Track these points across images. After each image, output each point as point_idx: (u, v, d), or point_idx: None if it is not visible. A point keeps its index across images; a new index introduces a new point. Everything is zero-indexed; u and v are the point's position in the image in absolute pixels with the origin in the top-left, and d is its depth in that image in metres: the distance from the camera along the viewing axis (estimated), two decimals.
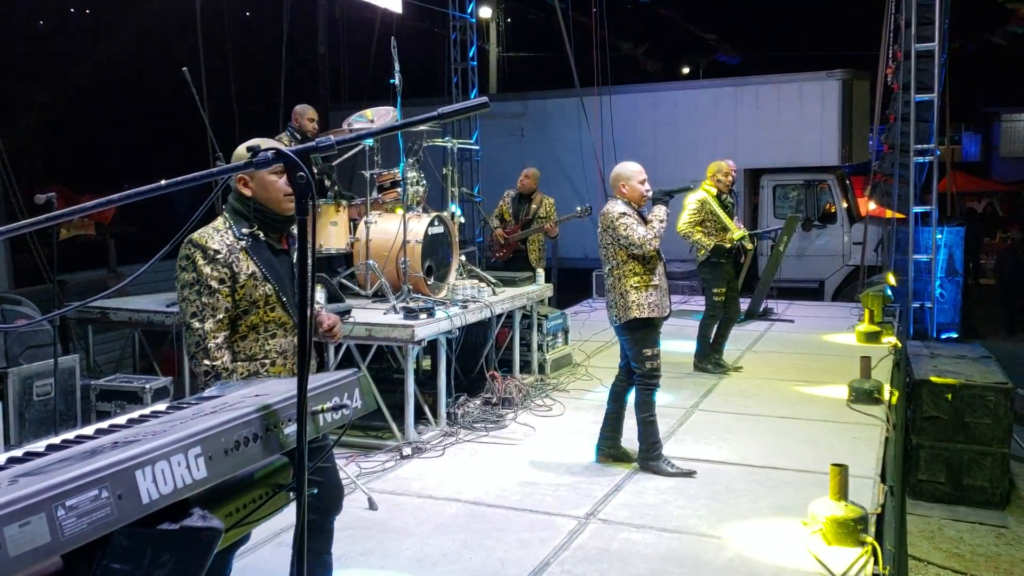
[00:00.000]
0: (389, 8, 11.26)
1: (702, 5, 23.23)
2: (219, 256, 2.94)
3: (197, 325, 2.94)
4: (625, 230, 5.29)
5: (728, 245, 7.99)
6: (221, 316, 2.96)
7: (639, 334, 5.41)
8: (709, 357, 8.22)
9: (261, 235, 3.04)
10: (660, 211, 5.46)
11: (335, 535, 3.36)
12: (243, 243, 2.99)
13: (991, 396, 7.82)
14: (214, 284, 2.93)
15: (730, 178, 8.18)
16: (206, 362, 2.95)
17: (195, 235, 2.96)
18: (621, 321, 5.42)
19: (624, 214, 5.33)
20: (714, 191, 8.03)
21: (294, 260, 3.10)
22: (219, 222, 3.03)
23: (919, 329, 11.57)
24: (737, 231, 7.98)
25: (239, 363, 3.03)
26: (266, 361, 3.06)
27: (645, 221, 5.42)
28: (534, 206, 8.93)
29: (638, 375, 5.45)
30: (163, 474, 1.37)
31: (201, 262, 2.94)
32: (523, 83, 19.40)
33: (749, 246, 8.30)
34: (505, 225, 9.06)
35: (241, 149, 2.99)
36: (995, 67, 23.50)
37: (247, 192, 3.02)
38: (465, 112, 1.92)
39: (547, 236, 9.00)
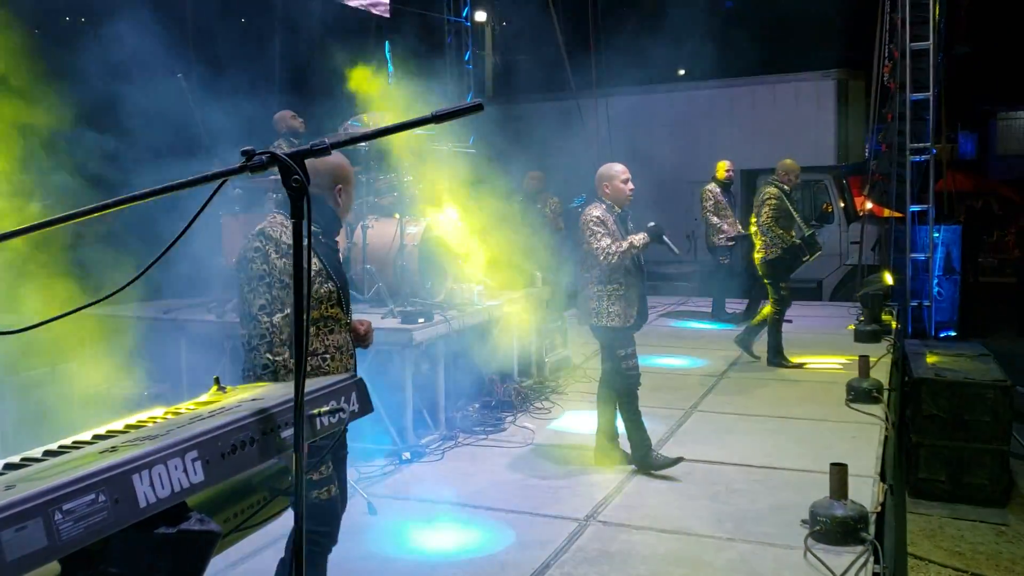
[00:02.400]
0: (377, 12, 11.31)
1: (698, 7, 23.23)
2: (291, 251, 2.96)
3: (265, 319, 2.94)
4: (590, 236, 5.31)
5: (798, 243, 8.24)
6: (288, 311, 2.94)
7: (609, 336, 5.44)
8: (781, 351, 8.37)
9: (321, 236, 3.12)
10: (640, 238, 5.34)
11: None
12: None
13: (990, 394, 7.81)
14: (287, 279, 2.93)
15: (798, 178, 8.42)
16: (268, 355, 2.94)
17: (267, 229, 2.98)
18: (586, 323, 5.49)
19: (598, 220, 5.32)
20: (787, 188, 8.22)
21: (342, 259, 3.25)
22: (283, 219, 3.05)
23: (917, 328, 11.58)
24: (808, 228, 8.34)
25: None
26: (327, 356, 3.10)
27: (625, 224, 5.43)
28: (539, 205, 9.20)
29: (617, 375, 5.47)
30: (160, 478, 1.37)
31: (274, 255, 2.96)
32: (519, 86, 19.38)
33: (818, 248, 8.56)
34: None
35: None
36: (991, 65, 23.52)
37: (341, 200, 3.15)
38: (459, 114, 1.91)
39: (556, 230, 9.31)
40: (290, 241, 2.88)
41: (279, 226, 3.02)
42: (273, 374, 2.95)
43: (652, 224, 5.38)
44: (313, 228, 2.96)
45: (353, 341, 3.31)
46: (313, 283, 3.02)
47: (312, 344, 3.07)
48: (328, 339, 3.12)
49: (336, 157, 3.10)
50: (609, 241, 5.27)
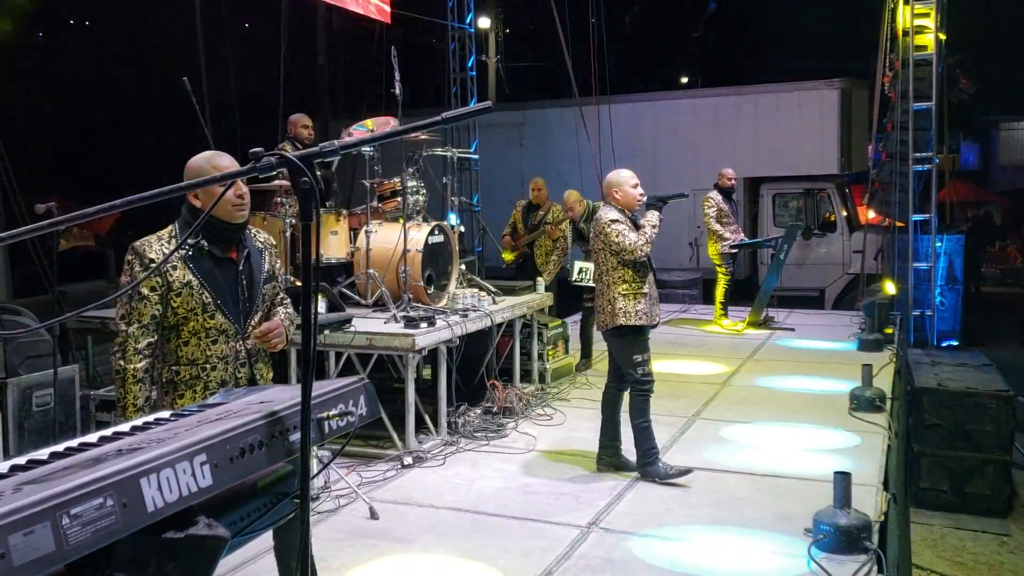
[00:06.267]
0: (379, 19, 11.33)
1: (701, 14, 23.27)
2: (153, 265, 3.04)
3: (124, 327, 3.07)
4: (616, 236, 5.31)
5: None
6: (146, 322, 3.07)
7: (627, 340, 5.42)
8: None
9: (206, 245, 3.13)
10: (653, 216, 5.47)
11: (337, 544, 3.35)
12: (183, 252, 3.09)
13: (992, 404, 7.79)
14: (144, 291, 3.05)
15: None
16: (120, 363, 3.07)
17: (137, 242, 3.09)
18: (608, 327, 5.44)
19: (615, 220, 5.35)
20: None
21: (240, 268, 3.19)
22: (166, 231, 3.16)
23: (920, 337, 11.55)
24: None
25: (182, 367, 3.14)
26: (207, 366, 3.16)
27: (638, 227, 5.44)
28: (542, 212, 9.12)
29: (630, 381, 5.45)
30: (168, 482, 1.35)
31: (137, 269, 3.07)
32: (522, 93, 19.43)
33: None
34: (516, 233, 9.29)
35: (197, 161, 3.11)
36: (994, 76, 23.51)
37: (197, 204, 3.13)
38: (469, 116, 1.91)
39: (549, 237, 9.10)
40: (153, 256, 3.05)
41: (153, 239, 3.11)
42: (122, 380, 3.06)
43: (647, 198, 5.47)
44: (191, 239, 3.06)
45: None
46: (181, 295, 3.08)
47: (193, 354, 3.14)
48: (211, 349, 3.15)
49: (192, 161, 3.11)
50: (635, 235, 5.31)
